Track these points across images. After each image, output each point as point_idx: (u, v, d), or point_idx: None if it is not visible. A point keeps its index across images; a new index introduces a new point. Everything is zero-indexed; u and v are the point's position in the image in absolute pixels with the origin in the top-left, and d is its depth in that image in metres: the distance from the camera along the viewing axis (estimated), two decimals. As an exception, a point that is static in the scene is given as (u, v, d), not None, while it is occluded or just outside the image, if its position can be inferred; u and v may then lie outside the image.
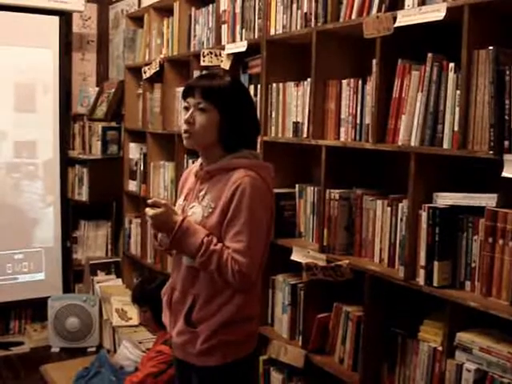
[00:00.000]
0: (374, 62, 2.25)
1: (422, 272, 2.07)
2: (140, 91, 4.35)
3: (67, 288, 4.80)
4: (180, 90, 3.66)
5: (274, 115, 2.84)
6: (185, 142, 2.08)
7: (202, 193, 2.07)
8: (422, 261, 2.07)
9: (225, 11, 3.21)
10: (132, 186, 4.43)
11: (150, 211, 2.00)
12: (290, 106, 2.73)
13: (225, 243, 1.97)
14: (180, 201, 2.19)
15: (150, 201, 2.04)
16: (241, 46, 3.01)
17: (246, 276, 1.94)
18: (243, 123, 2.07)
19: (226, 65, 3.13)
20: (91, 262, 4.75)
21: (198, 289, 2.05)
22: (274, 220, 2.17)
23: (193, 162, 3.46)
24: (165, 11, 3.97)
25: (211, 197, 2.03)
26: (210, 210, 2.01)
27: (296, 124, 2.70)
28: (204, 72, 3.25)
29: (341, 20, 2.44)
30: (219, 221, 1.98)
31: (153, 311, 3.10)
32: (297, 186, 2.79)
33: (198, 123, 2.02)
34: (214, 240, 1.96)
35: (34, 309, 4.73)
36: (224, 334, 2.02)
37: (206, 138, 2.03)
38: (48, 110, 4.70)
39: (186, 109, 2.06)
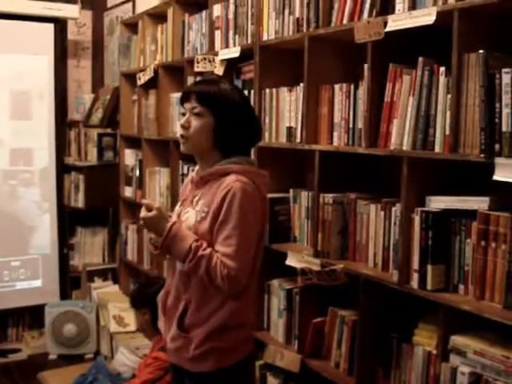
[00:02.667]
0: (366, 66, 2.26)
1: (415, 276, 2.07)
2: (135, 97, 4.35)
3: (64, 295, 4.80)
4: (175, 95, 3.68)
5: (267, 120, 2.84)
6: (181, 147, 2.11)
7: (196, 198, 2.08)
8: (416, 264, 2.07)
9: (218, 17, 3.21)
10: (128, 192, 4.43)
11: (142, 213, 2.02)
12: (284, 111, 2.74)
13: (215, 247, 1.97)
14: (177, 206, 2.22)
15: (143, 201, 2.08)
16: (234, 52, 3.02)
17: (235, 280, 1.94)
18: (239, 129, 2.08)
19: (219, 70, 3.14)
20: (88, 269, 4.76)
21: (190, 294, 2.06)
22: (266, 226, 2.18)
23: (188, 168, 3.47)
24: (159, 18, 3.98)
25: (204, 202, 2.04)
26: (203, 215, 2.02)
27: (289, 129, 2.70)
28: (200, 78, 3.26)
29: (332, 25, 2.44)
30: (211, 225, 2.00)
31: (152, 314, 3.10)
32: (291, 190, 2.80)
33: (192, 128, 2.04)
34: (204, 245, 1.96)
35: (32, 316, 4.73)
36: (216, 340, 2.02)
37: (201, 142, 2.05)
38: (43, 117, 4.71)
39: (183, 114, 2.09)
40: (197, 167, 2.20)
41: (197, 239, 1.97)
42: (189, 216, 2.07)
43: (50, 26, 4.69)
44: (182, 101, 2.10)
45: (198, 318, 2.03)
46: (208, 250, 1.95)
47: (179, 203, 2.21)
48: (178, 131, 2.09)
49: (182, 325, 2.06)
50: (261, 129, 2.31)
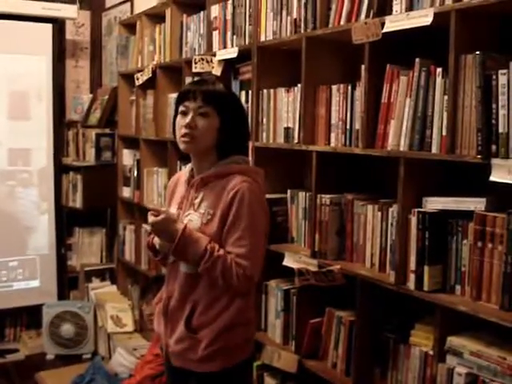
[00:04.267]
0: (363, 67, 2.26)
1: (412, 276, 2.08)
2: (133, 98, 4.35)
3: (62, 295, 4.80)
4: (173, 96, 3.68)
5: (265, 121, 2.84)
6: (183, 146, 2.04)
7: (198, 200, 2.06)
8: (413, 265, 2.07)
9: (216, 18, 3.22)
10: (126, 192, 4.43)
11: (150, 218, 1.99)
12: (281, 112, 2.74)
13: (226, 248, 1.97)
14: (172, 209, 2.17)
15: (150, 212, 2.03)
16: (232, 53, 3.02)
17: (250, 279, 1.96)
18: (239, 130, 2.09)
19: (217, 71, 3.14)
20: (86, 269, 4.75)
21: (198, 295, 2.04)
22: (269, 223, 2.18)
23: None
24: (157, 18, 3.98)
25: (208, 204, 2.02)
26: (209, 217, 2.01)
27: (287, 129, 2.70)
28: (198, 78, 3.25)
29: (330, 26, 2.45)
30: (219, 227, 1.99)
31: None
32: (289, 191, 2.80)
33: (200, 127, 2.00)
34: (217, 246, 1.96)
35: (29, 316, 4.72)
36: (225, 339, 2.02)
37: (206, 142, 2.03)
38: (42, 117, 4.71)
39: (184, 113, 2.03)
40: (188, 167, 2.18)
41: (210, 240, 1.96)
42: (192, 219, 2.04)
43: (49, 26, 4.69)
44: (183, 99, 2.05)
45: (206, 318, 2.02)
46: (222, 251, 1.95)
47: (175, 206, 2.16)
48: (181, 130, 2.01)
49: (189, 326, 2.04)
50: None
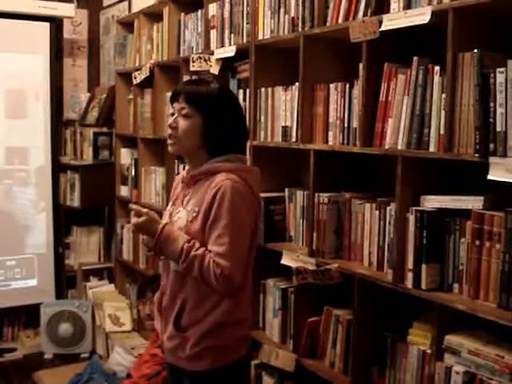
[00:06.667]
0: (361, 65, 2.26)
1: (410, 275, 2.07)
2: (131, 96, 4.34)
3: (60, 294, 4.80)
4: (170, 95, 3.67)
5: (262, 120, 2.84)
6: (169, 147, 2.10)
7: (187, 197, 2.08)
8: (410, 264, 2.07)
9: (213, 16, 3.21)
10: (124, 191, 4.43)
11: (132, 219, 2.03)
12: (279, 111, 2.74)
13: (208, 247, 1.96)
14: (168, 206, 2.21)
15: (132, 206, 2.05)
16: (229, 51, 3.02)
17: (228, 279, 1.93)
18: (228, 129, 2.07)
19: (215, 70, 3.13)
20: (84, 268, 4.76)
21: (186, 293, 2.05)
22: (259, 223, 2.17)
23: (183, 168, 3.46)
24: (155, 17, 3.98)
25: (195, 201, 2.03)
26: (194, 215, 2.01)
27: (285, 128, 2.70)
28: (192, 77, 3.26)
29: (327, 24, 2.44)
30: (202, 225, 1.99)
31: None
32: (286, 190, 2.80)
33: (180, 128, 2.03)
34: (196, 245, 1.96)
35: (27, 315, 4.72)
36: (213, 338, 2.02)
37: (189, 143, 2.04)
38: (39, 116, 4.71)
39: (173, 114, 2.07)
40: (187, 166, 2.19)
41: (189, 240, 1.96)
42: (180, 216, 2.06)
43: (46, 25, 4.69)
44: (172, 101, 2.09)
45: (194, 317, 2.03)
46: (200, 251, 1.94)
47: (170, 203, 2.20)
48: (166, 131, 2.07)
49: (178, 324, 2.05)
50: (247, 129, 2.30)
